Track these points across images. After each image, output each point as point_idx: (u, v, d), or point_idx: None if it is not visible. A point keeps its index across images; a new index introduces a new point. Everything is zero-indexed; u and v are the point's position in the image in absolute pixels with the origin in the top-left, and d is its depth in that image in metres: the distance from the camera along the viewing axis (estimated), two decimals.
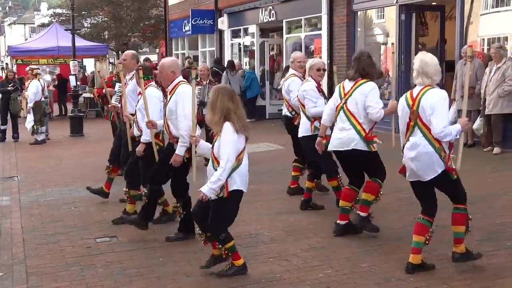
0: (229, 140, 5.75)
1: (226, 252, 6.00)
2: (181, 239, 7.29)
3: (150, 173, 7.45)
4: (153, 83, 8.13)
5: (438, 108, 5.68)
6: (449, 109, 6.37)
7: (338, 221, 7.25)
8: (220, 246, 5.99)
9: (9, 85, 17.86)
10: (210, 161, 5.97)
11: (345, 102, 6.99)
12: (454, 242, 6.01)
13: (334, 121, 7.23)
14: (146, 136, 7.66)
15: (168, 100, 7.12)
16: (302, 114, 8.43)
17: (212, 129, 6.13)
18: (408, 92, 5.97)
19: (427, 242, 5.99)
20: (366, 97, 6.89)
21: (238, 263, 6.07)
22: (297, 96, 8.51)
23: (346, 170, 7.38)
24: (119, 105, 11.30)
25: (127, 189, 8.28)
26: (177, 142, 6.98)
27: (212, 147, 5.93)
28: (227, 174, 5.75)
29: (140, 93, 7.96)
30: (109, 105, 10.91)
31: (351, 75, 7.06)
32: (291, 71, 9.24)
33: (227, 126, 5.75)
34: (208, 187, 5.75)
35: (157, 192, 7.54)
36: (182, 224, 7.36)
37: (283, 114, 9.60)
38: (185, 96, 6.88)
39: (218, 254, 6.12)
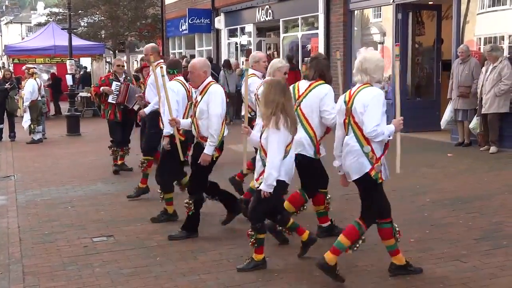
0: (277, 134, 5.81)
1: (254, 242, 6.09)
2: (183, 237, 7.30)
3: (190, 184, 7.49)
4: (180, 77, 8.21)
5: (370, 107, 5.45)
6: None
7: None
8: (252, 233, 6.07)
9: (6, 84, 17.82)
10: (258, 151, 6.09)
11: (299, 104, 6.69)
12: (390, 255, 5.85)
13: None
14: (168, 129, 7.75)
15: (199, 100, 7.14)
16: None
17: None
18: (349, 90, 5.81)
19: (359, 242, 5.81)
20: (321, 100, 6.59)
21: (259, 257, 6.15)
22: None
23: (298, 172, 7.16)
24: (115, 102, 11.39)
25: (161, 192, 8.25)
26: (205, 141, 7.03)
27: (260, 137, 6.00)
28: (277, 167, 5.84)
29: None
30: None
31: (310, 76, 6.75)
32: (251, 71, 8.79)
33: (275, 121, 5.80)
34: (265, 184, 5.86)
35: (201, 201, 7.38)
36: (187, 222, 7.36)
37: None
38: (216, 95, 6.99)
39: (306, 238, 6.35)
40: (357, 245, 5.77)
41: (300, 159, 6.61)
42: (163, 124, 7.97)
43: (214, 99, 6.98)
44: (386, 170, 5.72)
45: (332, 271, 5.69)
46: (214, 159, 7.15)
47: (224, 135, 7.19)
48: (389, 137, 5.61)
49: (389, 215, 5.82)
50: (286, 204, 6.84)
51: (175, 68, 8.30)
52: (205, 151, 6.96)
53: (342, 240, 5.70)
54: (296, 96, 6.74)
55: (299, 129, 6.57)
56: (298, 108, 6.68)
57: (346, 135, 5.71)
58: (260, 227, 6.08)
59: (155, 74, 8.10)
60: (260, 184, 5.97)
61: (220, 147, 7.17)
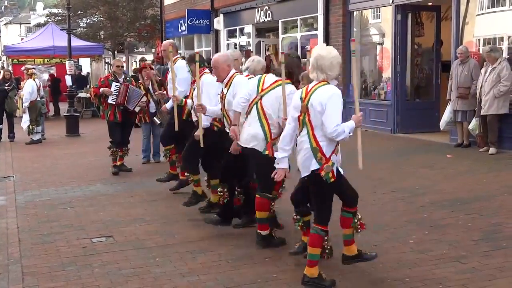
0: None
1: (302, 225, 6.18)
2: (218, 222, 7.48)
3: (222, 172, 7.52)
4: (207, 70, 8.32)
5: (328, 107, 5.36)
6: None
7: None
8: (298, 217, 6.16)
9: (6, 85, 17.84)
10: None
11: (261, 98, 6.64)
12: (307, 264, 5.67)
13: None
14: (206, 121, 7.87)
15: (225, 92, 7.25)
16: None
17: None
18: (305, 86, 5.75)
19: (323, 256, 5.82)
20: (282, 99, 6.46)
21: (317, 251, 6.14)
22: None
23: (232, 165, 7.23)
24: (114, 103, 11.40)
25: (189, 174, 8.45)
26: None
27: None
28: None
29: (194, 81, 8.08)
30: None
31: (279, 71, 6.58)
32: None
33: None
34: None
35: (249, 185, 7.39)
36: (223, 209, 7.47)
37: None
38: (240, 85, 7.07)
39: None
40: (328, 247, 5.78)
41: (251, 153, 6.68)
42: (196, 116, 8.00)
43: (239, 89, 7.03)
44: (339, 167, 5.65)
45: (319, 280, 5.64)
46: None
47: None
48: (350, 134, 5.51)
49: (354, 205, 5.81)
50: (257, 214, 6.78)
51: (203, 62, 8.39)
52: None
53: (312, 251, 5.65)
54: (260, 89, 6.70)
55: (255, 123, 6.63)
56: (259, 101, 6.65)
57: (300, 131, 5.65)
58: (305, 209, 6.13)
59: (172, 69, 8.25)
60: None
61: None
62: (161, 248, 7.00)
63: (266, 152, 6.58)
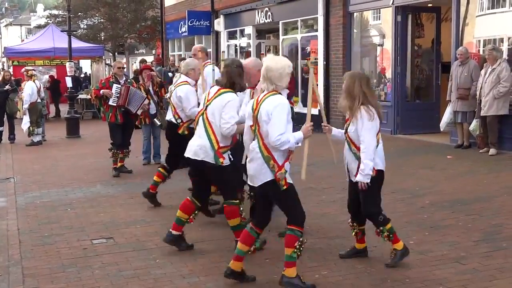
0: (369, 125, 5.90)
1: (387, 235, 6.16)
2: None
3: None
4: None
5: (273, 116, 5.40)
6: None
7: (171, 230, 6.96)
8: (382, 227, 6.14)
9: (6, 86, 17.85)
10: (346, 144, 6.13)
11: (206, 109, 6.60)
12: (284, 265, 5.64)
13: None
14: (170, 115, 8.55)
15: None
16: None
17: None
18: (257, 96, 5.81)
19: (250, 252, 5.93)
20: (223, 108, 6.45)
21: (400, 246, 6.21)
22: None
23: (197, 180, 7.11)
24: (115, 105, 11.41)
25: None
26: None
27: (346, 131, 6.06)
28: (372, 156, 5.93)
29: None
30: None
31: (222, 82, 6.62)
32: (184, 78, 8.88)
33: (366, 111, 5.90)
34: (361, 175, 5.94)
35: None
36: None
37: (169, 119, 9.10)
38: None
39: (361, 248, 6.45)
40: (303, 245, 5.67)
41: (202, 165, 6.61)
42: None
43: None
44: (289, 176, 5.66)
45: (298, 281, 5.63)
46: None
47: None
48: (298, 144, 5.57)
49: (299, 224, 5.65)
50: (230, 222, 6.75)
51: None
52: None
53: (288, 252, 5.61)
54: (206, 100, 6.71)
55: (202, 135, 6.59)
56: (205, 112, 6.63)
57: (252, 140, 5.72)
58: (383, 219, 6.15)
59: (202, 76, 8.29)
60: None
61: None
62: (161, 250, 7.00)
63: (220, 161, 6.53)
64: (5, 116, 17.82)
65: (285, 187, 5.55)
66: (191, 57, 9.85)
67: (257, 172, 5.63)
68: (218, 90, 6.59)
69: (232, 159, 6.69)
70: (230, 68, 6.59)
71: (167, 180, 9.16)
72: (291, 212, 5.69)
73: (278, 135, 5.39)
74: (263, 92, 5.72)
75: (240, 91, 6.74)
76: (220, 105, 6.48)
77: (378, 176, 6.09)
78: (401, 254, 6.21)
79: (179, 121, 8.77)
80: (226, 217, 6.76)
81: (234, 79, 6.56)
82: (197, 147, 6.60)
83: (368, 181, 5.97)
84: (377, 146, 6.05)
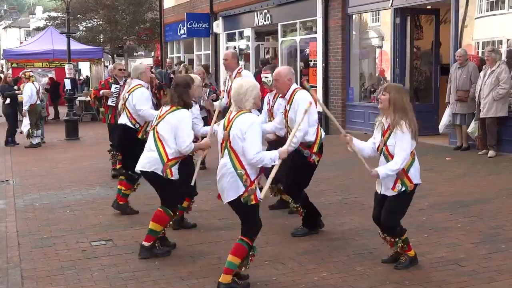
0: (407, 137, 6.00)
1: (402, 246, 6.18)
2: (306, 234, 7.44)
3: (289, 186, 7.48)
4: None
5: (248, 135, 5.57)
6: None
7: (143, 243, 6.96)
8: (397, 239, 6.15)
9: (13, 87, 18.04)
10: (383, 158, 6.14)
11: (157, 125, 6.78)
12: (223, 270, 5.76)
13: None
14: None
15: (288, 109, 7.29)
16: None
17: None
18: (229, 113, 5.92)
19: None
20: (178, 126, 6.64)
21: (412, 253, 6.26)
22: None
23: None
24: (114, 105, 11.42)
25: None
26: (304, 148, 7.20)
27: (385, 144, 6.09)
28: (402, 167, 6.00)
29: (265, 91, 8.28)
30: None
31: (170, 100, 6.82)
32: (137, 81, 8.89)
33: (406, 124, 6.00)
34: (385, 171, 5.99)
35: (306, 199, 7.51)
36: (306, 220, 7.50)
37: (124, 123, 9.01)
38: (303, 102, 7.01)
39: (413, 255, 6.31)
40: (250, 260, 5.83)
41: (154, 177, 6.76)
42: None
43: (300, 105, 7.02)
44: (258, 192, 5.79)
45: (235, 285, 5.77)
46: (316, 163, 7.29)
47: (322, 138, 7.33)
48: (275, 162, 5.72)
49: (252, 237, 5.80)
50: (152, 225, 6.83)
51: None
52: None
53: (232, 260, 5.72)
54: (158, 117, 6.87)
55: (153, 148, 6.75)
56: (155, 129, 6.77)
57: (222, 157, 5.81)
58: (401, 230, 6.18)
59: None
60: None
61: (320, 151, 7.31)
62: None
63: (169, 175, 6.70)
64: (5, 118, 17.86)
65: (253, 202, 5.69)
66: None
67: (228, 188, 5.72)
68: (171, 107, 6.77)
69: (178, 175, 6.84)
70: (178, 87, 6.83)
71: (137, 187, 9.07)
72: (250, 225, 5.82)
73: (255, 153, 5.58)
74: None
75: (187, 109, 6.84)
76: (173, 122, 6.66)
77: (413, 190, 6.16)
78: (411, 260, 6.24)
79: (137, 126, 8.87)
80: (153, 219, 6.86)
81: (183, 98, 6.77)
82: (146, 160, 6.80)
83: (381, 178, 6.01)
84: (415, 160, 6.23)
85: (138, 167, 6.94)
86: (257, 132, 5.65)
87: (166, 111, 6.78)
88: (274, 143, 7.75)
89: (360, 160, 6.19)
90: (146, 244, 6.85)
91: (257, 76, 11.55)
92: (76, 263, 6.74)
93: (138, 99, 8.71)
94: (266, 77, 8.24)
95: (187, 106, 6.82)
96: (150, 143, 6.85)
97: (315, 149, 7.25)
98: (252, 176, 5.69)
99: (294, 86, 7.32)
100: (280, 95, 7.54)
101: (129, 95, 8.87)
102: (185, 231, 7.64)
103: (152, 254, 6.84)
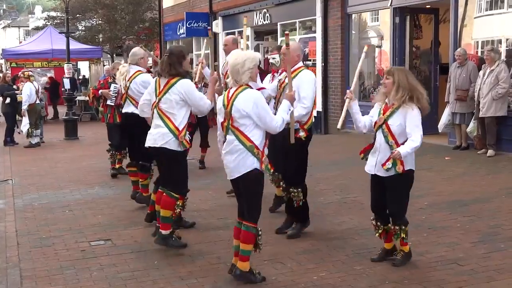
0: (418, 118, 6.01)
1: (404, 236, 6.17)
2: (300, 231, 7.40)
3: (291, 175, 7.38)
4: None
5: (260, 112, 5.62)
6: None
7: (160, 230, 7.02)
8: (402, 227, 6.13)
9: (12, 87, 18.04)
10: (381, 135, 6.09)
11: (159, 101, 6.77)
12: (239, 259, 5.84)
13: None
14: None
15: (286, 81, 7.11)
16: None
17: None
18: (226, 91, 5.89)
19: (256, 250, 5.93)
20: (186, 97, 6.67)
21: (407, 249, 6.27)
22: None
23: (159, 168, 7.14)
24: (113, 104, 11.41)
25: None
26: (302, 127, 7.11)
27: (385, 121, 6.04)
28: (420, 143, 6.03)
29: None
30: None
31: (172, 72, 6.76)
32: (136, 67, 8.89)
33: (411, 105, 6.00)
34: (405, 149, 5.93)
35: (306, 189, 7.46)
36: (300, 214, 7.45)
37: (131, 112, 8.93)
38: (308, 79, 7.08)
39: (390, 247, 6.37)
40: (260, 242, 5.90)
41: (161, 151, 6.76)
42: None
43: (305, 81, 7.05)
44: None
45: (251, 275, 5.85)
46: (303, 138, 7.13)
47: (313, 121, 7.29)
48: (290, 110, 6.01)
49: (255, 220, 5.84)
50: (162, 212, 6.83)
51: None
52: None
53: (245, 247, 5.79)
54: (157, 93, 6.82)
55: (161, 125, 6.74)
56: (157, 106, 6.78)
57: (226, 135, 5.80)
58: (405, 219, 6.18)
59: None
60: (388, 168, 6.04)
61: (309, 130, 7.21)
62: (159, 251, 6.99)
63: (185, 145, 6.75)
64: (4, 117, 17.85)
65: (272, 169, 5.81)
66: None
67: (236, 165, 5.72)
68: (168, 81, 6.72)
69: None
70: (172, 58, 6.75)
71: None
72: (254, 207, 5.83)
73: (275, 122, 5.70)
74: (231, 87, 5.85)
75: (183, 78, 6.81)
76: (178, 94, 6.66)
77: (411, 176, 6.15)
78: (406, 256, 6.26)
79: None
80: (161, 206, 6.86)
81: (177, 67, 6.73)
82: (156, 135, 6.78)
83: (402, 158, 5.94)
84: None
85: (148, 143, 6.89)
86: (263, 105, 5.68)
87: (163, 88, 6.73)
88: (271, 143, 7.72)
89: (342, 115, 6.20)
90: (163, 232, 6.86)
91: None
92: (75, 263, 6.74)
93: (142, 85, 8.58)
94: (274, 58, 8.21)
95: (179, 75, 6.75)
96: (155, 121, 6.82)
97: (305, 126, 7.15)
98: (261, 147, 5.72)
99: (300, 63, 7.25)
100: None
101: (130, 83, 8.83)
102: (184, 231, 7.62)
103: (167, 245, 6.86)
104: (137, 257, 6.87)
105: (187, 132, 6.85)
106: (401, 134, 6.02)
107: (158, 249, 7.07)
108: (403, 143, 5.99)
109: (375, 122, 6.15)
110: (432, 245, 6.86)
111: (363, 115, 6.33)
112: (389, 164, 5.99)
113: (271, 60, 8.26)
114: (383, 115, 6.08)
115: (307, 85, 7.06)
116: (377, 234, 6.38)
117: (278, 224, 7.83)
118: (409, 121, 5.97)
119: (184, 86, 6.69)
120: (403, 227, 6.16)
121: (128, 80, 8.85)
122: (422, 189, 9.53)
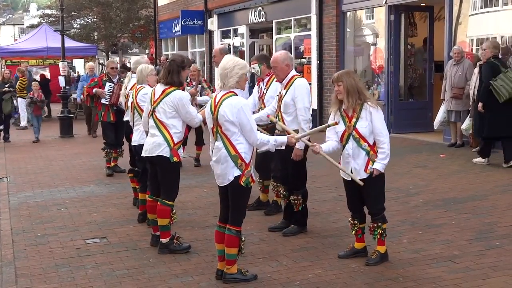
0: (381, 116, 6.06)
1: (381, 232, 6.22)
2: (297, 233, 7.38)
3: (293, 180, 7.37)
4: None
5: (242, 120, 5.60)
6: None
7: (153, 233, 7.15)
8: (380, 224, 6.19)
9: (5, 86, 17.98)
10: (353, 142, 6.09)
11: (154, 110, 6.77)
12: (226, 263, 5.86)
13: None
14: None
15: (283, 94, 7.19)
16: None
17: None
18: (213, 97, 5.89)
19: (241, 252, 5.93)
20: (180, 106, 6.65)
21: (383, 249, 6.30)
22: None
23: (152, 178, 7.11)
24: (108, 103, 11.39)
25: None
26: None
27: (354, 128, 6.05)
28: (389, 147, 6.07)
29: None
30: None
31: (171, 81, 6.76)
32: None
33: (372, 104, 6.03)
34: (382, 164, 6.05)
35: (307, 194, 7.49)
36: (298, 217, 7.44)
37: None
38: (303, 89, 7.07)
39: (360, 248, 6.46)
40: (243, 246, 5.90)
41: (156, 160, 6.77)
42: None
43: (301, 92, 7.05)
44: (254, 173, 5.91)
45: (240, 275, 5.89)
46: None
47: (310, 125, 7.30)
48: (281, 147, 5.91)
49: (239, 224, 5.84)
50: (159, 221, 6.85)
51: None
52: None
53: (230, 251, 5.81)
54: (152, 101, 6.83)
55: (156, 133, 6.76)
56: (153, 113, 6.78)
57: (215, 141, 5.82)
58: (384, 216, 6.26)
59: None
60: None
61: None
62: (154, 249, 6.99)
63: (174, 159, 6.73)
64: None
65: (252, 183, 5.77)
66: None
67: (225, 171, 5.73)
68: (164, 90, 6.73)
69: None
70: (173, 65, 6.76)
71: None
72: (239, 212, 5.83)
73: (257, 136, 5.69)
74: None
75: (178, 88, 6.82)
76: (171, 104, 6.65)
77: (383, 173, 6.18)
78: (381, 257, 6.28)
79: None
80: (157, 215, 6.87)
81: (173, 77, 6.72)
82: (152, 145, 6.78)
83: (382, 170, 6.07)
84: None
85: (144, 153, 6.93)
86: (248, 115, 5.65)
87: (159, 97, 6.73)
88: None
89: (332, 163, 6.15)
90: (163, 240, 6.87)
91: None
92: (70, 261, 6.74)
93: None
94: (253, 68, 8.22)
95: (175, 84, 6.74)
96: (151, 130, 6.84)
97: None
98: (247, 159, 5.70)
99: (293, 72, 7.24)
100: (276, 79, 7.48)
101: (137, 92, 8.70)
102: (180, 229, 7.63)
103: (171, 251, 6.84)
104: (132, 255, 6.87)
105: (181, 146, 6.86)
106: (370, 134, 6.07)
107: (153, 246, 7.07)
108: (374, 144, 6.08)
109: (343, 132, 6.14)
110: (427, 242, 6.87)
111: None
112: (371, 168, 6.08)
113: (252, 70, 8.26)
114: (349, 123, 6.10)
115: (302, 97, 7.06)
116: (353, 232, 6.45)
117: (272, 222, 7.85)
118: (375, 123, 6.03)
119: (177, 97, 6.68)
120: (380, 224, 6.20)
121: (130, 90, 8.60)
122: (417, 186, 9.56)
